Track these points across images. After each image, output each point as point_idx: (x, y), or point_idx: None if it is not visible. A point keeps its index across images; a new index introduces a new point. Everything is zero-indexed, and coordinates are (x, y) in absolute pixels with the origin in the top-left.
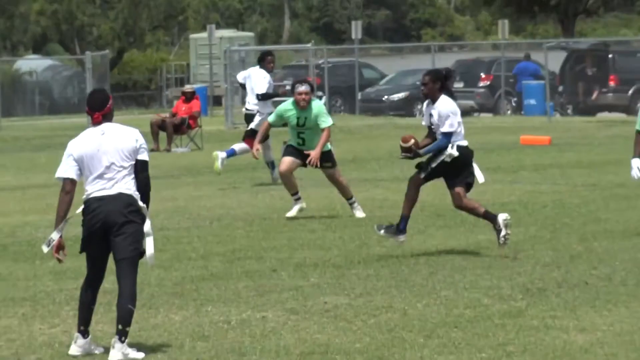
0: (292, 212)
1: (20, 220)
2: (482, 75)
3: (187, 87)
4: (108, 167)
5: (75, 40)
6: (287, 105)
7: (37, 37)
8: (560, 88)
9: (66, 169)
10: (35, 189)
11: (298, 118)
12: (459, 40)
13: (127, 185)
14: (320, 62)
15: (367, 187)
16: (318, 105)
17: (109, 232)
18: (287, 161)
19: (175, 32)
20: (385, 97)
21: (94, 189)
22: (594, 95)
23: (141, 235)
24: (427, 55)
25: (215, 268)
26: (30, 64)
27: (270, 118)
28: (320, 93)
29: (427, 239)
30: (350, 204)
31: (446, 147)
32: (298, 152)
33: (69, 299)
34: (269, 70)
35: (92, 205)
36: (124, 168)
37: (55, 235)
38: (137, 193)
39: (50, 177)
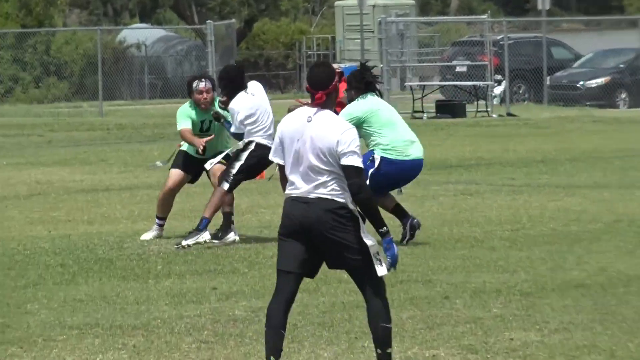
0: (149, 235)
1: (130, 228)
2: None
3: (335, 67)
4: (304, 163)
5: (192, 6)
6: (186, 108)
7: (145, 2)
8: None
9: (273, 150)
10: (146, 190)
11: (202, 122)
12: None
13: (330, 190)
14: (498, 38)
15: (560, 195)
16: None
17: (313, 243)
18: (175, 175)
19: None
20: (581, 82)
21: (291, 185)
22: None
23: (361, 243)
24: (633, 31)
25: None
26: (138, 34)
27: (182, 124)
28: (498, 77)
29: (639, 262)
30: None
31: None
32: (191, 162)
33: (190, 327)
34: None
35: (288, 207)
36: (321, 171)
37: None
38: (345, 196)
39: (165, 176)
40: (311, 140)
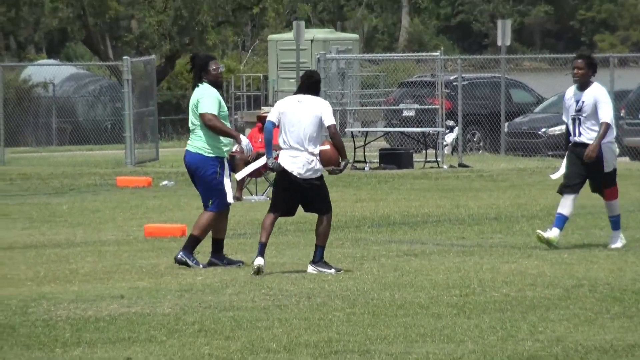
0: None
1: (35, 291)
2: None
3: (265, 111)
4: None
5: (107, 40)
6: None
7: (53, 35)
8: None
9: None
10: (54, 249)
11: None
12: None
13: None
14: (451, 78)
15: (515, 257)
16: None
17: None
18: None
19: (248, 30)
20: (543, 130)
21: None
22: None
23: None
24: (603, 70)
25: None
26: (45, 72)
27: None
28: (450, 123)
29: (599, 331)
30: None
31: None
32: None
33: None
34: None
35: None
36: None
37: None
38: None
39: (75, 233)
40: None
